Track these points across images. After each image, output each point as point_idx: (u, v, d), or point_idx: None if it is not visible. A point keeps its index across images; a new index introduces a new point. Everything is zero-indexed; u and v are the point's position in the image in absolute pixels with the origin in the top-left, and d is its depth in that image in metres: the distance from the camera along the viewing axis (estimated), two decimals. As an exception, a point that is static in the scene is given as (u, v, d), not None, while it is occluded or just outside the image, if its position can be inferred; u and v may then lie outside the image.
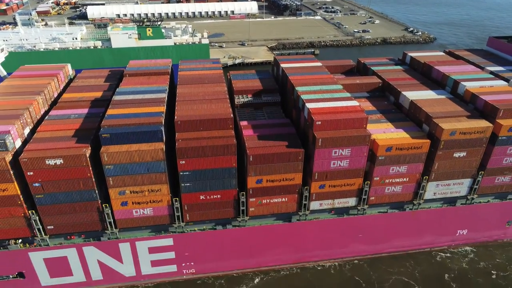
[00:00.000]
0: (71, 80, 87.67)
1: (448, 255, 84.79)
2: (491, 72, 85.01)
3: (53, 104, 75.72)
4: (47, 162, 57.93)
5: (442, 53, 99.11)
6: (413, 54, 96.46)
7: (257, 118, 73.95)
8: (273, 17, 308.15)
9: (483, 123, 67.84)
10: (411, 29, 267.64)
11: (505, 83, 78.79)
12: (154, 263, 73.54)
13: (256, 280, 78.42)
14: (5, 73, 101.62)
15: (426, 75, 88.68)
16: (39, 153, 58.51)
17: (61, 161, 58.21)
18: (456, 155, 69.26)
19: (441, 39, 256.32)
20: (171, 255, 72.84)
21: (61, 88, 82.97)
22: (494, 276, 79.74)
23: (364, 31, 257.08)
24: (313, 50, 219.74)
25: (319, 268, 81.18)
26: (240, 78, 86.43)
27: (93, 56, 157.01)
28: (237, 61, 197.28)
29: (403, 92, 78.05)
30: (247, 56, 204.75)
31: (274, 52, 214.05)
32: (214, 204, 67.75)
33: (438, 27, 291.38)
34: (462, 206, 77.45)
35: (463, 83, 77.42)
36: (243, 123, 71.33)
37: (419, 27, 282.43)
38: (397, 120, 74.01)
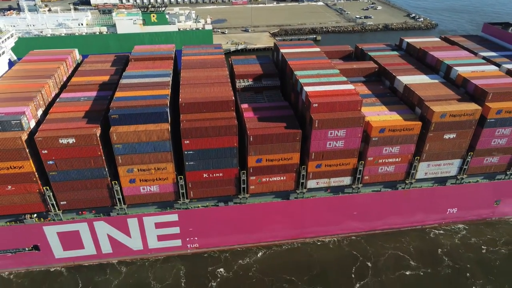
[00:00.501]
0: (78, 65, 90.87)
1: (441, 232, 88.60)
2: (484, 58, 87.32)
3: (63, 87, 79.22)
4: (60, 141, 61.66)
5: (437, 39, 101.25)
6: (409, 40, 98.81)
7: (257, 101, 77.14)
8: (275, 2, 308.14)
9: (473, 106, 70.76)
10: (413, 15, 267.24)
11: (496, 68, 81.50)
12: (160, 238, 77.64)
13: (259, 254, 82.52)
14: (15, 57, 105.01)
15: (421, 60, 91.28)
16: (52, 133, 62.22)
17: (73, 140, 61.90)
18: (447, 136, 72.31)
19: (442, 25, 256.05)
20: (176, 230, 76.91)
21: (69, 72, 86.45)
22: (484, 251, 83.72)
23: (366, 17, 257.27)
24: (315, 36, 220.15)
25: (318, 243, 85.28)
26: (241, 63, 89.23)
27: (98, 41, 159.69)
28: (240, 47, 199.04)
29: (398, 77, 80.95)
30: (249, 42, 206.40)
31: (276, 38, 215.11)
32: (217, 182, 71.41)
33: (439, 13, 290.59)
34: (452, 185, 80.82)
35: (455, 68, 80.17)
36: (244, 105, 74.57)
37: (420, 13, 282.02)
38: (391, 104, 77.04)
